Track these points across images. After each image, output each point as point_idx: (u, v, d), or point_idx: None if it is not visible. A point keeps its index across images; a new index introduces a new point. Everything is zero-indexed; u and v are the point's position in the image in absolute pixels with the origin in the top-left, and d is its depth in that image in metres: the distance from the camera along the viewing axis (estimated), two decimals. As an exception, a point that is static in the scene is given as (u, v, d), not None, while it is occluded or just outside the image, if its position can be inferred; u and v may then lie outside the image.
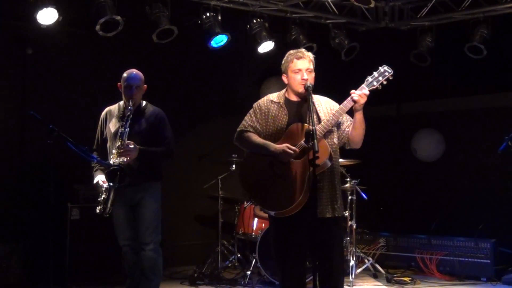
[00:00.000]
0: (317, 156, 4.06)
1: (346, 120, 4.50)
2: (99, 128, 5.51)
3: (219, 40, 7.55)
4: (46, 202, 5.20)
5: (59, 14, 6.53)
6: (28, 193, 6.99)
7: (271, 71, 8.66)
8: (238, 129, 4.64)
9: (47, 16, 6.51)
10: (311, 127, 4.16)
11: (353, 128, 4.43)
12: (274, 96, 4.61)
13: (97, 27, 6.71)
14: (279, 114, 4.51)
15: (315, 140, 4.08)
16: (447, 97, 9.12)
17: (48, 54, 7.28)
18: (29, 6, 6.52)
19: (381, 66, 4.40)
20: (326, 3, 8.04)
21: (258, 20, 7.79)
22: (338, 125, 4.49)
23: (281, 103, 4.54)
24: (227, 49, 7.66)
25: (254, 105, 4.65)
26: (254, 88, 8.81)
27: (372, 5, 7.60)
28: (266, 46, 7.90)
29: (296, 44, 7.86)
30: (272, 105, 4.56)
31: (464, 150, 8.77)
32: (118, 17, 6.69)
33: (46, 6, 6.44)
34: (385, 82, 4.35)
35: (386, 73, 4.35)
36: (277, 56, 8.00)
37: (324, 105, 4.52)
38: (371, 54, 8.59)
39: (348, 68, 8.64)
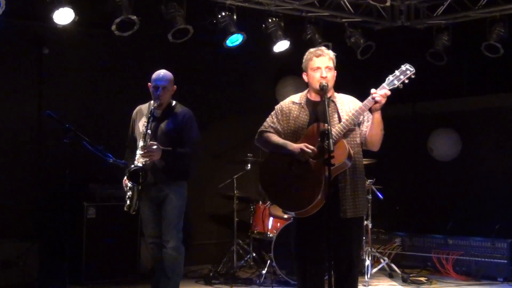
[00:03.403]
0: (332, 156, 4.03)
1: (367, 120, 4.44)
2: (130, 126, 5.60)
3: (235, 40, 7.56)
4: (62, 201, 5.23)
5: (75, 14, 6.55)
6: (44, 192, 7.02)
7: (287, 70, 8.66)
8: (259, 130, 4.63)
9: (63, 16, 6.53)
10: (326, 126, 4.12)
11: (370, 128, 4.38)
12: (296, 97, 4.59)
13: (113, 27, 6.73)
14: (300, 115, 4.49)
15: (330, 140, 4.05)
16: (463, 96, 9.07)
17: (64, 54, 7.32)
18: (46, 6, 6.54)
19: (403, 64, 4.32)
20: (342, 2, 8.01)
21: (274, 19, 7.78)
22: (358, 124, 4.45)
23: (303, 104, 4.52)
24: (243, 48, 7.66)
25: (276, 107, 4.64)
26: (270, 87, 8.80)
27: (388, 3, 7.56)
28: (282, 45, 7.88)
29: (311, 43, 7.83)
30: (294, 106, 4.54)
31: (481, 150, 8.72)
32: (134, 17, 6.72)
33: (62, 6, 6.46)
34: (406, 81, 4.26)
35: (408, 72, 4.27)
36: (292, 55, 8.07)
37: (346, 105, 4.47)
38: (386, 53, 8.55)
39: (364, 67, 8.60)
